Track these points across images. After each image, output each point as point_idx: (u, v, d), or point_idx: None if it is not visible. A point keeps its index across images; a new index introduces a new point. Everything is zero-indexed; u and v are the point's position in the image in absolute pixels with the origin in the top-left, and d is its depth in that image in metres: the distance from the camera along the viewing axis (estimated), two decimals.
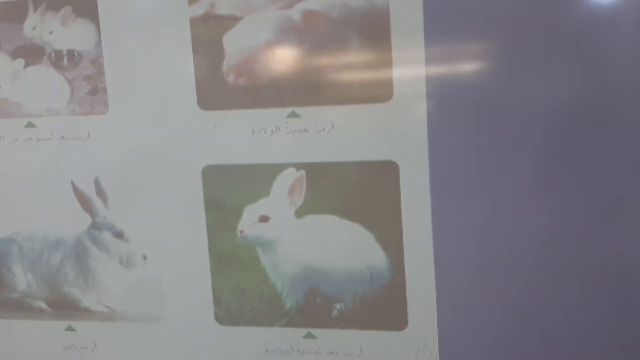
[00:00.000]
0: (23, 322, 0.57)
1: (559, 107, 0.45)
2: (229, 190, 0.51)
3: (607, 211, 0.46)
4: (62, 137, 0.54)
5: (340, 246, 0.50)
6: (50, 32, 0.53)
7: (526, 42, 0.45)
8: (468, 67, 0.46)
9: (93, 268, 0.55)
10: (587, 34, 0.44)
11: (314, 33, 0.48)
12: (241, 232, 0.51)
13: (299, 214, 0.50)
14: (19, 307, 0.57)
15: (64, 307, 0.56)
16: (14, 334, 0.57)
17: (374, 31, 0.46)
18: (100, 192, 0.54)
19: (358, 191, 0.49)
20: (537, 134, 0.45)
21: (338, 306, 0.50)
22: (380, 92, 0.47)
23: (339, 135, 0.48)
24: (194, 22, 0.49)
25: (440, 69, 0.46)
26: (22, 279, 0.56)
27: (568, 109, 0.45)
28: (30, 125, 0.54)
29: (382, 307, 0.50)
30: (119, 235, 0.54)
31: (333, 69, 0.48)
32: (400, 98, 0.47)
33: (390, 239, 0.49)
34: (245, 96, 0.50)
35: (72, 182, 0.54)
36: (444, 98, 0.46)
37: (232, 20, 0.49)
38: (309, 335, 0.51)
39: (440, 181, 0.47)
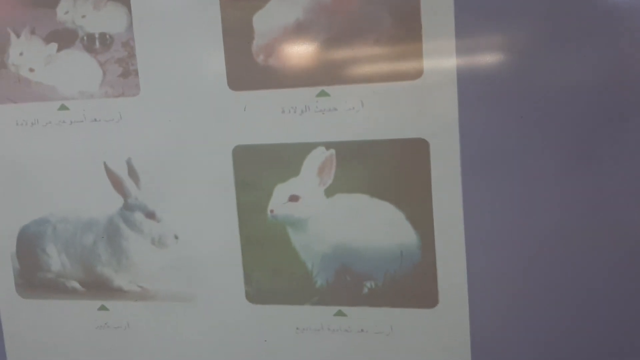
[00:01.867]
0: (57, 302, 0.58)
1: (593, 83, 0.45)
2: (259, 169, 0.51)
3: None
4: (95, 120, 0.54)
5: (370, 225, 0.50)
6: (83, 16, 0.53)
7: (562, 17, 0.44)
8: (500, 43, 0.46)
9: (125, 248, 0.56)
10: (621, 12, 0.43)
11: (343, 12, 0.48)
12: (271, 211, 0.52)
13: (329, 192, 0.50)
14: (53, 287, 0.58)
15: (97, 287, 0.57)
16: (48, 313, 0.58)
17: (404, 9, 0.46)
18: (132, 173, 0.54)
19: (388, 169, 0.49)
20: (570, 110, 0.45)
21: (368, 284, 0.51)
22: (410, 70, 0.47)
23: (369, 113, 0.48)
24: (224, 3, 0.50)
25: (471, 47, 0.46)
26: (56, 260, 0.57)
27: (602, 87, 0.44)
28: (63, 108, 0.55)
29: (412, 285, 0.50)
30: (150, 215, 0.55)
31: (362, 48, 0.48)
32: (430, 75, 0.47)
33: (421, 217, 0.49)
34: (275, 76, 0.50)
35: (105, 164, 0.55)
36: (475, 75, 0.46)
37: (261, 1, 0.49)
38: (340, 313, 0.52)
39: (471, 158, 0.47)
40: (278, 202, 0.51)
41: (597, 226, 0.46)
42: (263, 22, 0.50)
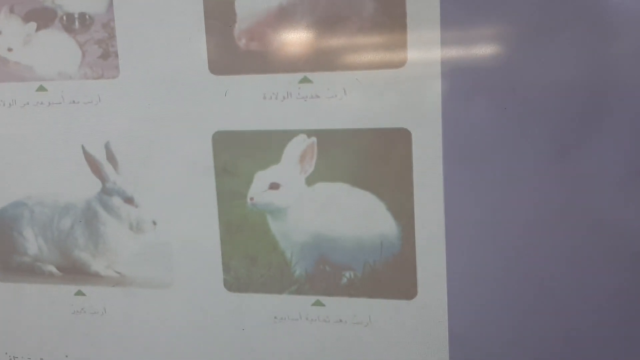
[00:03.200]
0: (33, 286, 0.57)
1: (576, 75, 0.44)
2: (239, 156, 0.51)
3: (623, 181, 0.45)
4: (73, 102, 0.53)
5: (350, 214, 0.49)
6: None
7: (547, 9, 0.44)
8: (484, 32, 0.45)
9: (103, 233, 0.55)
10: (607, 6, 0.43)
11: None
12: (251, 199, 0.51)
13: (310, 181, 0.50)
14: (29, 271, 0.57)
15: (74, 272, 0.56)
16: (24, 297, 0.58)
17: None
18: (110, 157, 0.53)
19: (369, 159, 0.48)
20: (552, 102, 0.44)
21: (347, 274, 0.50)
22: (393, 58, 0.46)
23: (351, 101, 0.48)
24: None
25: (456, 35, 0.45)
26: (33, 243, 0.57)
27: (585, 78, 0.44)
28: (41, 89, 0.54)
29: (391, 275, 0.49)
30: (129, 200, 0.54)
31: (346, 34, 0.47)
32: (413, 64, 0.46)
33: (402, 207, 0.48)
34: (257, 61, 0.49)
35: (83, 147, 0.54)
36: (459, 65, 0.45)
37: None
38: (318, 303, 0.51)
39: (453, 149, 0.47)
40: (258, 190, 0.51)
41: (578, 219, 0.46)
42: (245, 6, 0.49)
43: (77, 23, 0.52)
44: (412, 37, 0.46)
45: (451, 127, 0.46)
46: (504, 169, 0.46)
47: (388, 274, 0.49)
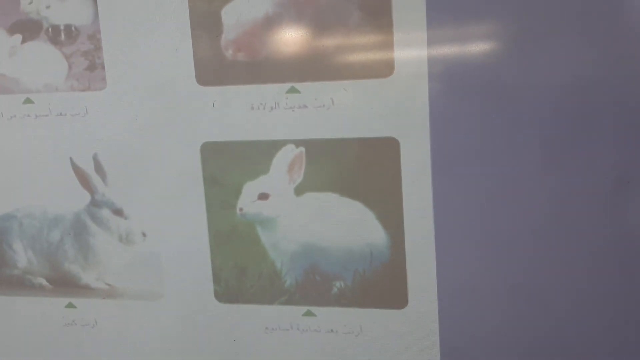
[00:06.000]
0: (24, 299, 0.57)
1: (564, 84, 0.44)
2: (228, 167, 0.51)
3: (611, 191, 0.45)
4: (60, 114, 0.53)
5: (340, 224, 0.49)
6: (47, 7, 0.52)
7: (532, 18, 0.44)
8: (472, 41, 0.45)
9: (92, 245, 0.55)
10: (594, 11, 0.43)
11: (313, 6, 0.47)
12: (240, 209, 0.51)
13: (299, 191, 0.50)
14: (19, 284, 0.57)
15: (64, 284, 0.56)
16: (15, 310, 0.57)
17: (375, 4, 0.45)
18: (99, 169, 0.53)
19: (358, 168, 0.48)
20: (540, 111, 0.44)
21: (338, 284, 0.50)
22: (381, 68, 0.46)
23: (339, 111, 0.48)
24: None
25: (443, 44, 0.45)
26: (22, 256, 0.56)
27: (573, 87, 0.44)
28: (28, 101, 0.54)
29: (382, 285, 0.49)
30: (118, 212, 0.54)
31: (333, 44, 0.47)
32: (401, 73, 0.46)
33: (391, 217, 0.48)
34: (244, 71, 0.49)
35: (71, 159, 0.54)
36: (446, 73, 0.45)
37: None
38: (309, 313, 0.51)
39: (442, 158, 0.46)
40: (247, 200, 0.51)
41: (567, 226, 0.46)
42: (232, 16, 0.48)
43: (63, 35, 0.52)
44: (399, 47, 0.46)
45: (439, 135, 0.46)
46: (492, 177, 0.46)
47: (378, 283, 0.49)
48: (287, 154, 0.49)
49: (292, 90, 0.48)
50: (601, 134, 0.44)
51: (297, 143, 0.49)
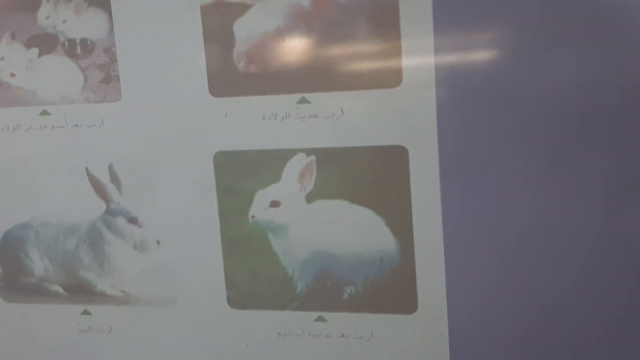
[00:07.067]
0: (40, 307, 0.58)
1: (570, 90, 0.45)
2: (240, 175, 0.52)
3: (619, 196, 0.45)
4: (76, 125, 0.54)
5: (350, 231, 0.50)
6: (64, 21, 0.53)
7: (538, 26, 0.45)
8: (478, 50, 0.46)
9: (108, 253, 0.56)
10: (600, 18, 0.44)
11: (323, 19, 0.48)
12: (252, 217, 0.52)
13: (310, 198, 0.51)
14: (36, 292, 0.58)
15: (80, 291, 0.57)
16: (31, 318, 0.59)
17: (383, 16, 0.47)
18: (114, 178, 0.54)
19: (368, 176, 0.49)
20: (547, 118, 0.45)
21: (348, 289, 0.51)
22: (389, 78, 0.47)
23: (349, 120, 0.49)
24: (205, 10, 0.50)
25: (450, 54, 0.46)
26: (38, 264, 0.58)
27: (579, 93, 0.45)
28: (45, 113, 0.55)
29: (392, 290, 0.50)
30: (133, 220, 0.55)
31: (342, 55, 0.48)
32: (409, 83, 0.47)
33: (400, 223, 0.49)
34: (256, 83, 0.50)
35: (87, 169, 0.55)
36: (454, 82, 0.46)
37: (242, 8, 0.49)
38: (320, 319, 0.52)
39: (450, 165, 0.47)
40: (259, 208, 0.52)
41: (576, 230, 0.46)
42: (244, 29, 0.50)
43: (79, 48, 0.54)
44: (407, 57, 0.47)
45: (447, 143, 0.47)
46: (500, 183, 0.47)
47: (388, 289, 0.50)
48: (298, 162, 0.50)
49: (303, 101, 0.49)
50: (608, 140, 0.45)
51: (308, 152, 0.50)
